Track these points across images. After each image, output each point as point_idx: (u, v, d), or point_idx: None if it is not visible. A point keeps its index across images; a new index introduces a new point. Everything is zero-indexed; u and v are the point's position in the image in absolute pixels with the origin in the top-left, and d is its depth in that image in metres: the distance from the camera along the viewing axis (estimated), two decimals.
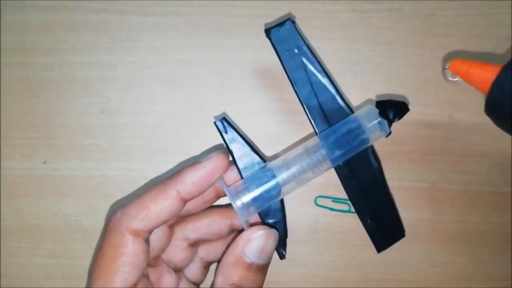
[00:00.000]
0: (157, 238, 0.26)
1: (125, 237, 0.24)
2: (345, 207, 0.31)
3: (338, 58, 0.31)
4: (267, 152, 0.31)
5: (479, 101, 0.31)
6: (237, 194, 0.26)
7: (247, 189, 0.26)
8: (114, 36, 0.31)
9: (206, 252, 0.29)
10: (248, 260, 0.25)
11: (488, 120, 0.31)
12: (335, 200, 0.31)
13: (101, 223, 0.32)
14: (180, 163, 0.32)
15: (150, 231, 0.25)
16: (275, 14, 0.31)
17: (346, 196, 0.29)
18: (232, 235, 0.29)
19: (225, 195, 0.28)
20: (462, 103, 0.31)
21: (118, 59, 0.31)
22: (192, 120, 0.31)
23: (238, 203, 0.26)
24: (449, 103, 0.31)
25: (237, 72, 0.31)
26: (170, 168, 0.32)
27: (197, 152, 0.31)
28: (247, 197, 0.26)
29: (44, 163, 0.32)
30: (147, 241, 0.25)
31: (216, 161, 0.25)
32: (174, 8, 0.31)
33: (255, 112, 0.31)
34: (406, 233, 0.29)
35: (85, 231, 0.32)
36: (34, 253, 0.33)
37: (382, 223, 0.29)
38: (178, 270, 0.28)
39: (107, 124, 0.32)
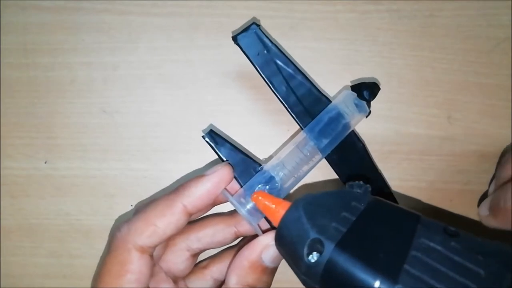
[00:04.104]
0: None
1: (131, 254, 0.24)
2: None
3: (337, 59, 0.31)
4: (268, 152, 0.32)
5: (478, 101, 0.31)
6: (242, 202, 0.26)
7: (249, 196, 0.26)
8: (115, 37, 0.31)
9: (221, 272, 0.29)
10: (264, 265, 0.25)
11: (486, 120, 0.31)
12: None
13: (102, 223, 0.32)
14: (182, 171, 0.32)
15: (156, 247, 0.25)
16: (274, 14, 0.31)
17: None
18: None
19: (221, 203, 0.28)
20: (461, 103, 0.31)
21: (119, 59, 0.31)
22: (192, 120, 0.31)
23: (245, 211, 0.26)
24: (448, 103, 0.31)
25: (237, 72, 0.31)
26: (170, 168, 0.32)
27: (197, 151, 0.32)
28: (252, 204, 0.26)
29: (45, 163, 0.32)
30: (152, 256, 0.25)
31: (222, 174, 0.25)
32: (175, 8, 0.31)
33: (255, 112, 0.32)
34: None
35: (86, 231, 0.32)
36: (35, 253, 0.33)
37: None
38: (177, 280, 0.28)
39: (108, 124, 0.32)
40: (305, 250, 0.20)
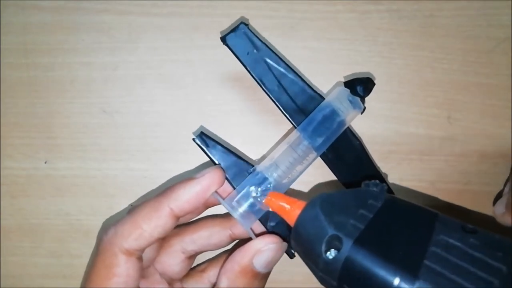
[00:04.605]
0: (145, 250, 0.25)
1: (118, 258, 0.23)
2: None
3: (337, 59, 0.31)
4: (268, 152, 0.32)
5: (478, 101, 0.31)
6: (235, 205, 0.26)
7: (242, 198, 0.26)
8: (115, 37, 0.31)
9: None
10: (255, 270, 0.25)
11: (486, 120, 0.31)
12: None
13: (102, 223, 0.32)
14: (176, 174, 0.32)
15: (143, 250, 0.24)
16: (274, 14, 0.31)
17: None
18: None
19: (214, 205, 0.28)
20: (461, 103, 0.31)
21: (119, 59, 0.31)
22: (192, 120, 0.31)
23: (238, 214, 0.25)
24: (448, 103, 0.31)
25: (237, 72, 0.31)
26: (170, 168, 0.32)
27: (197, 151, 0.31)
28: (245, 206, 0.26)
29: (45, 163, 0.32)
30: (140, 258, 0.24)
31: (211, 177, 0.25)
32: (175, 8, 0.31)
33: (256, 112, 0.32)
34: None
35: (86, 231, 0.32)
36: (35, 253, 0.33)
37: None
38: (172, 282, 0.28)
39: (108, 124, 0.32)
40: (323, 247, 0.20)
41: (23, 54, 0.32)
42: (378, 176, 0.31)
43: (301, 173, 0.27)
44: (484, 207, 0.32)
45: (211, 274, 0.29)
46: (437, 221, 0.20)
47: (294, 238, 0.23)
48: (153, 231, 0.24)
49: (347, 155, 0.29)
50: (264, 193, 0.26)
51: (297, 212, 0.23)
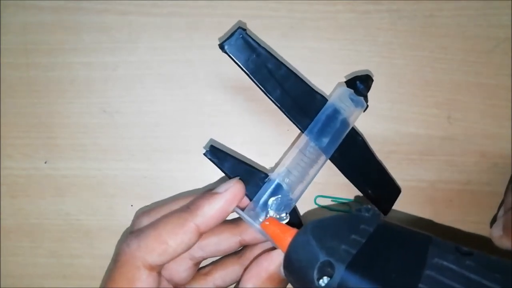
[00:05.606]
0: None
1: (140, 271, 0.23)
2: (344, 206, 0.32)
3: (337, 59, 0.31)
4: (268, 152, 0.32)
5: (478, 101, 0.31)
6: (254, 216, 0.26)
7: (261, 209, 0.26)
8: (115, 37, 0.31)
9: (224, 279, 0.28)
10: (281, 276, 0.25)
11: (486, 120, 0.31)
12: (335, 199, 0.32)
13: (102, 223, 0.32)
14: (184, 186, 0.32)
15: (164, 265, 0.24)
16: (274, 14, 0.31)
17: (344, 197, 0.30)
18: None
19: None
20: (461, 103, 0.31)
21: (119, 59, 0.31)
22: (192, 120, 0.31)
23: (258, 226, 0.25)
24: (448, 103, 0.31)
25: (237, 72, 0.31)
26: (170, 168, 0.32)
27: (197, 151, 0.31)
28: (263, 216, 0.26)
29: (45, 163, 0.32)
30: (159, 273, 0.24)
31: (234, 191, 0.25)
32: (175, 8, 0.31)
33: (255, 112, 0.32)
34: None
35: (86, 231, 0.32)
36: (35, 253, 0.33)
37: (380, 188, 0.31)
38: (177, 286, 0.28)
39: (108, 124, 0.32)
40: (315, 274, 0.20)
41: (23, 54, 0.31)
42: (381, 171, 0.31)
43: (313, 176, 0.27)
44: (483, 207, 0.32)
45: (216, 277, 0.29)
46: (431, 244, 0.20)
47: (286, 266, 0.23)
48: (178, 247, 0.24)
49: (353, 153, 0.29)
50: (282, 200, 0.26)
51: (289, 239, 0.23)
